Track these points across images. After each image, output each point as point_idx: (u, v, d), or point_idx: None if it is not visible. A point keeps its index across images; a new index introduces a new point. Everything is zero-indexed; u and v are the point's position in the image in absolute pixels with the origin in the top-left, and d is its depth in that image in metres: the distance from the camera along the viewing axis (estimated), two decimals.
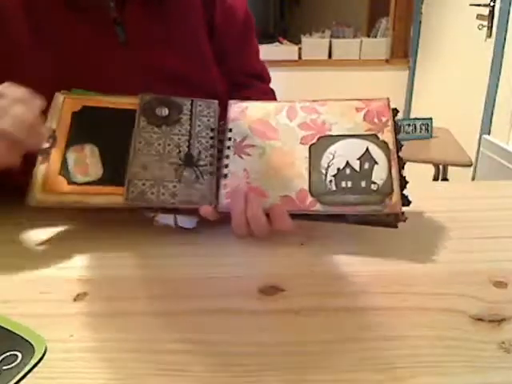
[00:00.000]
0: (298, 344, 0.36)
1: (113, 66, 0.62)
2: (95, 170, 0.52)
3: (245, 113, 0.56)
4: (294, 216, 0.50)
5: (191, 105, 0.57)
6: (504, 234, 0.53)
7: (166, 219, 0.52)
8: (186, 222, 0.53)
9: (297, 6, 4.43)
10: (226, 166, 0.53)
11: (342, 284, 0.44)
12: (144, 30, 0.64)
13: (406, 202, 0.49)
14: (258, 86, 0.78)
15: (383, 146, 0.51)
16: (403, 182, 0.49)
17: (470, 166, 1.70)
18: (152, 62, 0.64)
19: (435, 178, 1.86)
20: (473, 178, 2.03)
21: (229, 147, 0.54)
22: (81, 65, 0.60)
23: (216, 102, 0.58)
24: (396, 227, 0.49)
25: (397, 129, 0.52)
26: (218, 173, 0.53)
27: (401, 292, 0.42)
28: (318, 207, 0.49)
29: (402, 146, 0.51)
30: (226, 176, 0.53)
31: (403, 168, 0.50)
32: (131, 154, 0.53)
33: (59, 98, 0.55)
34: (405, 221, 0.49)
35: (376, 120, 0.52)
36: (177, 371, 0.34)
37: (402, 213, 0.49)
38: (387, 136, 0.51)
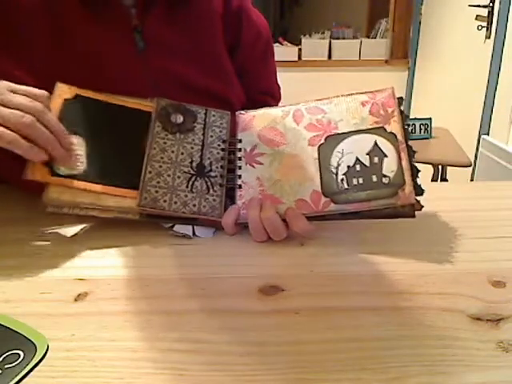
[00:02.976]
0: (298, 344, 0.36)
1: (128, 72, 0.62)
2: (79, 163, 0.51)
3: (252, 122, 0.57)
4: (309, 218, 0.50)
5: (205, 114, 0.57)
6: (503, 233, 0.53)
7: (184, 229, 0.53)
8: (203, 231, 0.53)
9: (297, 7, 4.44)
10: (240, 177, 0.54)
11: (342, 284, 0.44)
12: (163, 39, 0.63)
13: (419, 191, 0.48)
14: (269, 103, 0.79)
15: (391, 137, 0.50)
16: (415, 171, 0.49)
17: (469, 166, 1.70)
18: (169, 70, 0.64)
19: (434, 179, 1.86)
20: (472, 179, 2.03)
21: (240, 158, 0.55)
22: (95, 67, 0.60)
23: (229, 113, 0.59)
24: (414, 217, 0.49)
25: (404, 118, 0.51)
26: (227, 184, 0.54)
27: (400, 292, 0.43)
28: (331, 207, 0.50)
29: (410, 134, 0.51)
30: (240, 187, 0.53)
31: (414, 157, 0.50)
32: (145, 159, 0.53)
33: (57, 85, 0.54)
34: (421, 209, 0.49)
35: (382, 112, 0.52)
36: (177, 370, 0.34)
37: (418, 201, 0.49)
38: (395, 127, 0.51)
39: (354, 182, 0.50)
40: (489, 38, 1.92)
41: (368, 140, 0.51)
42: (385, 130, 0.51)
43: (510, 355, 0.34)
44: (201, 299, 0.42)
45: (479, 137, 1.97)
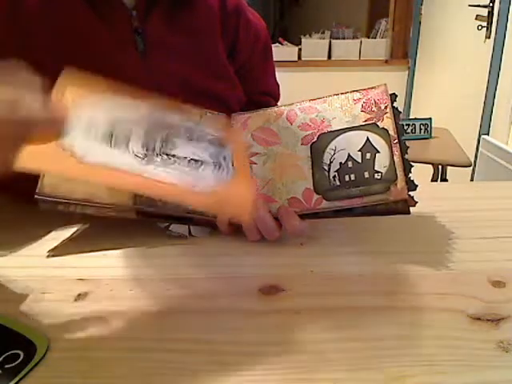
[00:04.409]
0: (299, 344, 0.36)
1: (130, 74, 0.62)
2: None
3: (247, 123, 0.57)
4: (302, 216, 0.50)
5: (200, 116, 0.57)
6: (503, 234, 0.53)
7: (180, 229, 0.53)
8: (199, 231, 0.54)
9: (297, 7, 4.44)
10: None
11: (342, 284, 0.44)
12: (164, 41, 0.63)
13: (412, 186, 0.48)
14: (271, 104, 0.79)
15: (383, 133, 0.50)
16: (407, 167, 0.48)
17: (469, 166, 1.70)
18: (170, 72, 0.64)
19: (434, 179, 1.86)
20: (472, 179, 2.03)
21: None
22: (97, 68, 0.60)
23: (224, 115, 0.59)
24: (408, 213, 0.49)
25: (396, 113, 0.51)
26: None
27: (400, 292, 0.43)
28: (324, 204, 0.49)
29: (405, 130, 0.51)
30: None
31: (407, 152, 0.49)
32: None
33: None
34: (414, 205, 0.48)
35: (374, 108, 0.52)
36: (177, 370, 0.34)
37: (412, 197, 0.48)
38: (387, 122, 0.51)
39: (346, 178, 0.50)
40: (489, 37, 1.92)
41: (360, 136, 0.51)
42: (377, 126, 0.51)
43: (509, 355, 0.34)
44: (201, 299, 0.42)
45: (479, 137, 1.97)
